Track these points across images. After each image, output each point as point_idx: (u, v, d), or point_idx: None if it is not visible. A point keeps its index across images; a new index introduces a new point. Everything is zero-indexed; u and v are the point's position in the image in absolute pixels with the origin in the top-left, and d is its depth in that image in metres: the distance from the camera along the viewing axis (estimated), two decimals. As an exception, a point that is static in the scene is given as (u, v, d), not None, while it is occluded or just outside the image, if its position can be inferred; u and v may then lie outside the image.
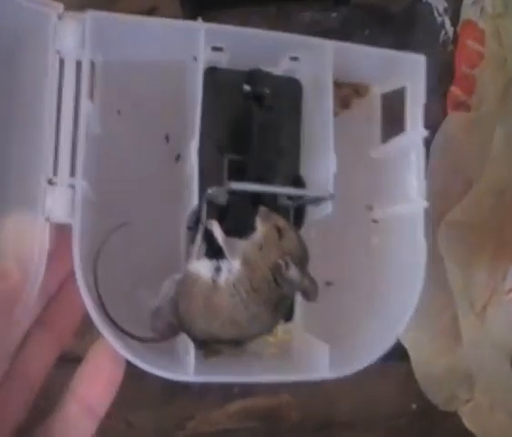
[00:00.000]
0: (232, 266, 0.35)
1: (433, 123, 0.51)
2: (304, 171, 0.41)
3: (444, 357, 0.51)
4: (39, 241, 0.30)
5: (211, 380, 0.35)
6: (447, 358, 0.51)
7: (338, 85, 0.43)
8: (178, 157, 0.41)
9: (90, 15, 0.33)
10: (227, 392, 0.49)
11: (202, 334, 0.36)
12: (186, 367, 0.33)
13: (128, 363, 0.31)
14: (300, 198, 0.38)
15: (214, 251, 0.37)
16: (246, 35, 0.36)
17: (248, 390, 0.49)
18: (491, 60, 0.53)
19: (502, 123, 0.51)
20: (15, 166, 0.32)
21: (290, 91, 0.41)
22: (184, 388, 0.48)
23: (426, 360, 0.51)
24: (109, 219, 0.36)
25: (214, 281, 0.35)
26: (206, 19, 0.35)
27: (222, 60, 0.39)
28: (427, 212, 0.38)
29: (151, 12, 0.48)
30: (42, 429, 0.29)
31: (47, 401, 0.30)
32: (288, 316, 0.41)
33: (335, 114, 0.43)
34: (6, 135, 0.33)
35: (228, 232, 0.37)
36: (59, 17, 0.33)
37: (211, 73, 0.39)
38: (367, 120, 0.45)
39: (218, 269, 0.35)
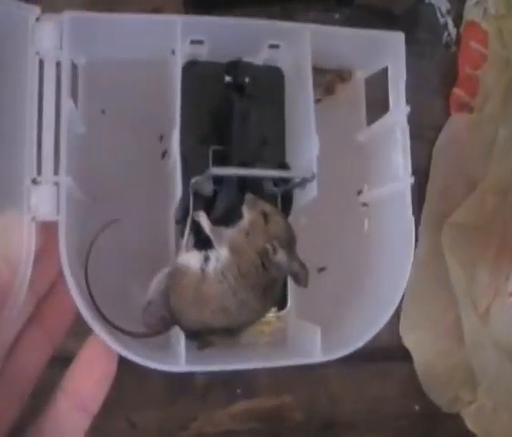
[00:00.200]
0: (220, 254, 0.35)
1: (436, 124, 0.51)
2: (290, 158, 0.41)
3: (446, 358, 0.51)
4: (26, 240, 0.30)
5: (202, 369, 0.36)
6: (450, 359, 0.51)
7: (322, 71, 0.44)
8: (164, 154, 0.42)
9: (67, 16, 0.34)
10: (230, 393, 0.48)
11: (194, 324, 0.36)
12: (177, 357, 0.33)
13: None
14: (285, 183, 0.38)
15: (203, 242, 0.37)
16: (224, 24, 0.37)
17: (251, 391, 0.49)
18: (494, 61, 0.52)
19: (505, 124, 0.51)
20: (-1, 166, 0.33)
21: (271, 79, 0.42)
22: (187, 388, 0.48)
23: (429, 362, 0.50)
24: (98, 217, 0.36)
25: (203, 271, 0.35)
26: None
27: (203, 53, 0.39)
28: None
29: (154, 13, 0.48)
30: (34, 428, 0.29)
31: (44, 401, 0.30)
32: (282, 304, 0.41)
33: (320, 100, 0.44)
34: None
35: (216, 222, 0.37)
36: (37, 19, 0.33)
37: (192, 66, 0.39)
38: (352, 105, 0.45)
39: (207, 259, 0.36)
